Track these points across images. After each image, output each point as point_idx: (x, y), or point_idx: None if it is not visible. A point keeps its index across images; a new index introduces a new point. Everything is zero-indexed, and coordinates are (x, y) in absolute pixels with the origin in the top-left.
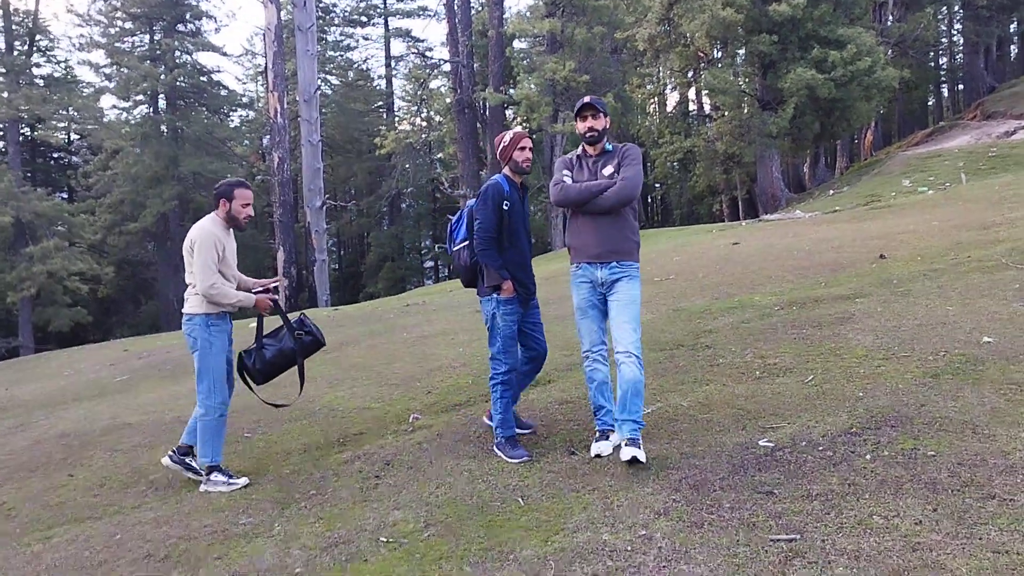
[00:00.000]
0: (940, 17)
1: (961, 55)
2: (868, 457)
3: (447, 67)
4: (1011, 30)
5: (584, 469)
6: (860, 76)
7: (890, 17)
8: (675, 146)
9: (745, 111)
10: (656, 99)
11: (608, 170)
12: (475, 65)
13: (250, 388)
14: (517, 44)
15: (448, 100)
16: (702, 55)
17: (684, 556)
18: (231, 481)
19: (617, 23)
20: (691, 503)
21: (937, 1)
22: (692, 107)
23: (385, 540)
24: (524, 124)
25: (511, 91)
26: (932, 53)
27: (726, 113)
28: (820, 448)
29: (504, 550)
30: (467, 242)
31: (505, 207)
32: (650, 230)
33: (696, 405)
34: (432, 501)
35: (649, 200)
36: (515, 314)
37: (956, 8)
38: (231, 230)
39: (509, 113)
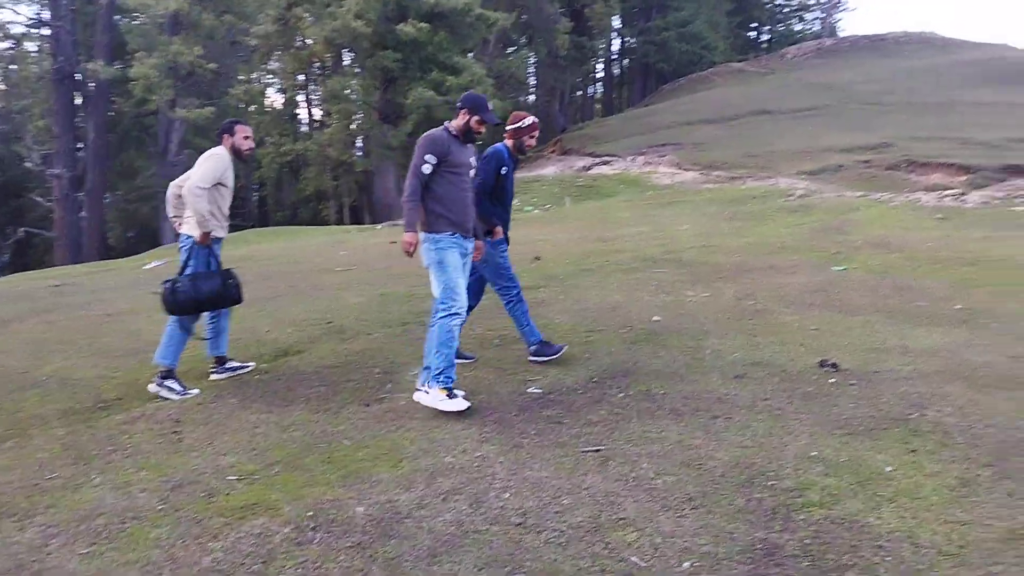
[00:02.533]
0: (528, 61)
1: (538, 96)
2: (620, 396)
3: (46, 31)
4: (579, 80)
5: (387, 416)
6: None
7: (491, 54)
8: (285, 148)
9: (363, 122)
10: (262, 97)
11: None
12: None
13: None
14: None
15: (41, 67)
16: (318, 60)
17: (523, 466)
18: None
19: (249, 16)
20: (503, 433)
21: (524, 46)
22: (301, 111)
23: (235, 478)
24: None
25: (128, 69)
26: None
27: (340, 122)
28: (578, 392)
29: (363, 475)
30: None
31: (503, 172)
32: (270, 229)
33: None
34: (257, 447)
35: (253, 199)
36: (503, 251)
37: (541, 55)
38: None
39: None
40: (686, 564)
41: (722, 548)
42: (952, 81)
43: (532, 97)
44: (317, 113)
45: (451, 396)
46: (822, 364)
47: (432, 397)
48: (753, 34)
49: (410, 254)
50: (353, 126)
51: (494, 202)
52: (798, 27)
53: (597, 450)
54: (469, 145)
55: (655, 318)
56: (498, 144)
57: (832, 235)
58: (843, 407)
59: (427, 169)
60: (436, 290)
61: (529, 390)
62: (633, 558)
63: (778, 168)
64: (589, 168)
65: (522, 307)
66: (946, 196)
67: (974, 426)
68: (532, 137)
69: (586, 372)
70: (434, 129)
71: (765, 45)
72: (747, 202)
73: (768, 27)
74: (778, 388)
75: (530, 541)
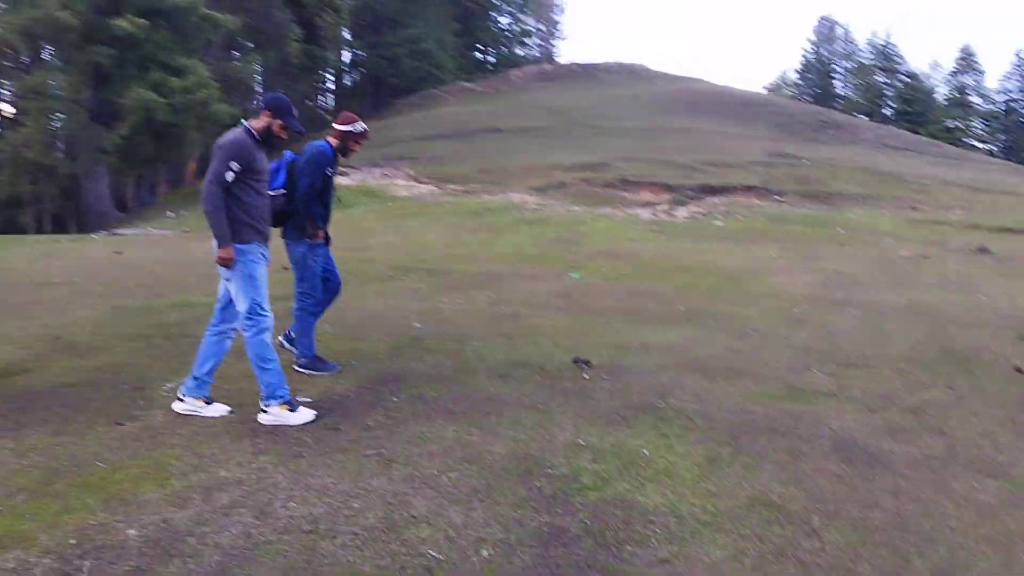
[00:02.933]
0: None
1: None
2: (394, 400)
3: None
4: (308, 90)
5: (144, 434)
6: (196, 107)
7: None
8: None
9: (70, 122)
10: None
11: None
12: None
13: None
14: None
15: None
16: (9, 51)
17: (306, 474)
18: None
19: None
20: (278, 443)
21: (252, 51)
22: None
23: None
24: None
25: None
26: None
27: (39, 121)
28: (351, 398)
29: (127, 497)
30: (284, 192)
31: (328, 172)
32: None
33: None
34: None
35: None
36: (322, 256)
37: (271, 61)
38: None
39: None
40: (484, 552)
41: (513, 535)
42: (656, 108)
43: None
44: (10, 110)
45: (293, 409)
46: (575, 361)
47: (273, 416)
48: (480, 55)
49: (229, 267)
50: (58, 125)
51: (320, 204)
52: (520, 51)
53: (379, 453)
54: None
55: (416, 325)
56: (322, 142)
57: (567, 246)
58: (599, 399)
59: (230, 177)
60: (242, 305)
61: (300, 399)
62: (431, 552)
63: (510, 183)
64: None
65: (312, 319)
66: (659, 211)
67: (710, 411)
68: (358, 144)
69: (356, 379)
70: (235, 132)
71: (491, 67)
72: (486, 214)
73: (493, 50)
74: (540, 385)
75: (325, 547)
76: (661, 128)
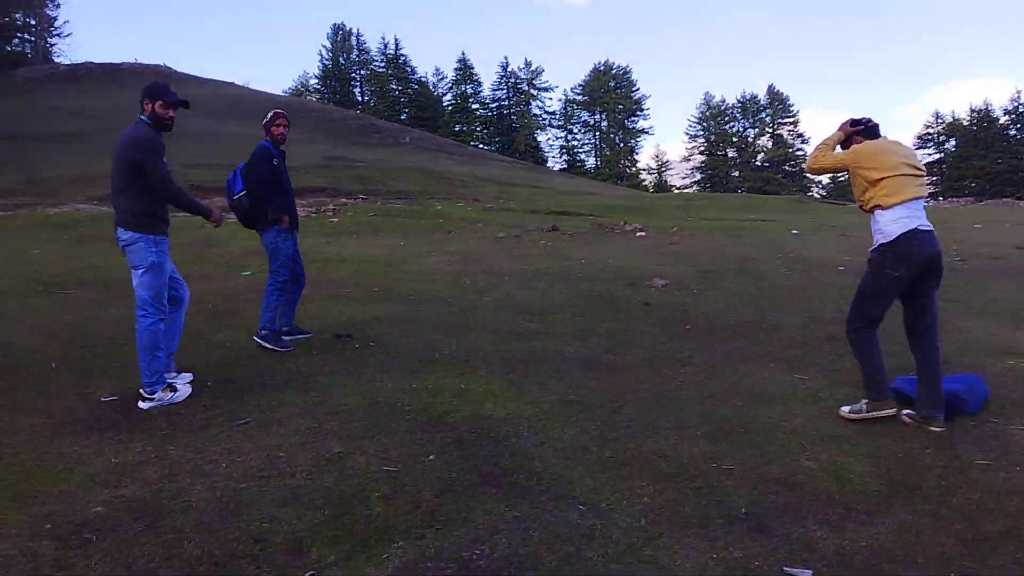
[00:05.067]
0: None
1: None
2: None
3: None
4: None
5: None
6: None
7: None
8: None
9: None
10: None
11: None
12: None
13: None
14: None
15: None
16: None
17: (238, 452)
18: None
19: None
20: (173, 431)
21: None
22: None
23: None
24: None
25: None
26: None
27: None
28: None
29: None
30: (244, 192)
31: (275, 163)
32: None
33: None
34: None
35: None
36: (289, 239)
37: None
38: None
39: None
40: (431, 457)
41: (430, 448)
42: (199, 113)
43: None
44: None
45: (174, 389)
46: (338, 336)
47: (158, 400)
48: None
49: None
50: None
51: (276, 192)
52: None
53: (246, 422)
54: None
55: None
56: (262, 142)
57: (211, 249)
58: (385, 360)
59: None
60: (145, 293)
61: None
62: (385, 467)
63: (71, 194)
64: None
65: (278, 297)
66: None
67: (476, 355)
68: (278, 127)
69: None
70: (137, 128)
71: None
72: (74, 227)
73: None
74: (330, 356)
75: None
76: (211, 133)
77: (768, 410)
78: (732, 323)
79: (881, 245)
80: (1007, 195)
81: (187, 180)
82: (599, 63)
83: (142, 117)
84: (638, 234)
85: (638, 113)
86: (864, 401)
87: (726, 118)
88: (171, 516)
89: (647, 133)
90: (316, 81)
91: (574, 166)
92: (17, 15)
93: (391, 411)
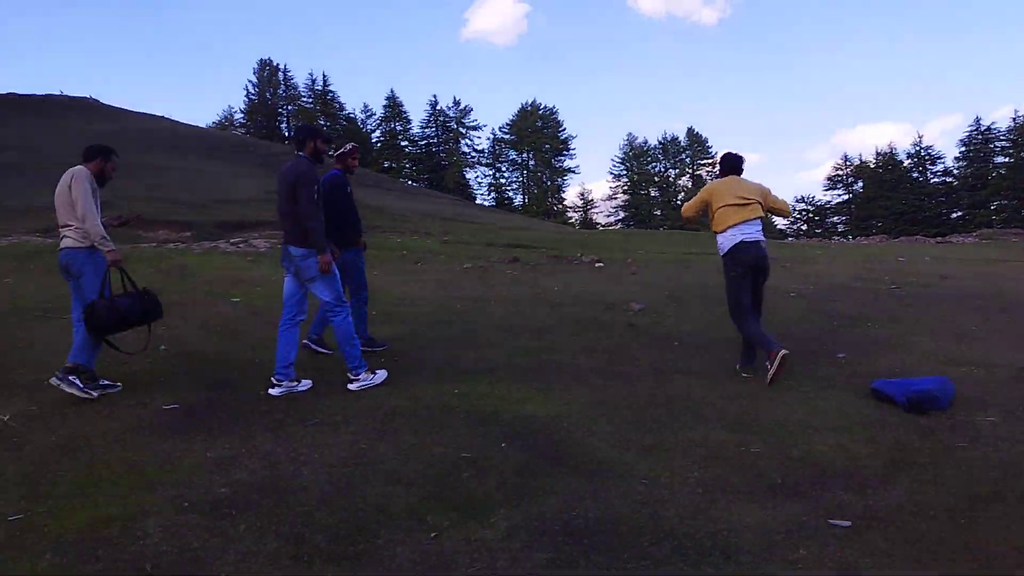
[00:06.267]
0: None
1: None
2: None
3: None
4: None
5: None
6: None
7: None
8: None
9: None
10: None
11: None
12: None
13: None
14: None
15: None
16: None
17: (324, 445)
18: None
19: None
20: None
21: None
22: None
23: None
24: None
25: None
26: None
27: None
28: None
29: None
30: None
31: (348, 190)
32: None
33: None
34: None
35: None
36: (361, 259)
37: None
38: None
39: None
40: (503, 445)
41: (490, 441)
42: (133, 146)
43: None
44: None
45: (374, 372)
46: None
47: (364, 380)
48: None
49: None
50: None
51: (356, 218)
52: None
53: (318, 422)
54: None
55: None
56: (333, 170)
57: (187, 279)
58: (421, 371)
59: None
60: (326, 296)
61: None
62: (463, 454)
63: (15, 225)
64: None
65: (363, 310)
66: (239, 244)
67: (503, 362)
68: (354, 159)
69: None
70: (299, 163)
71: None
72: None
73: None
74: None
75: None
76: (149, 166)
77: (772, 408)
78: (714, 340)
79: (722, 255)
80: (912, 233)
81: (133, 212)
82: (526, 103)
83: (301, 153)
84: (596, 265)
85: (564, 152)
86: (767, 361)
87: (648, 158)
88: (294, 494)
89: (574, 172)
90: (241, 115)
91: (502, 203)
92: None
93: (444, 411)
